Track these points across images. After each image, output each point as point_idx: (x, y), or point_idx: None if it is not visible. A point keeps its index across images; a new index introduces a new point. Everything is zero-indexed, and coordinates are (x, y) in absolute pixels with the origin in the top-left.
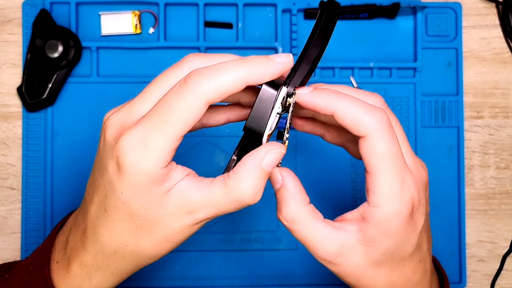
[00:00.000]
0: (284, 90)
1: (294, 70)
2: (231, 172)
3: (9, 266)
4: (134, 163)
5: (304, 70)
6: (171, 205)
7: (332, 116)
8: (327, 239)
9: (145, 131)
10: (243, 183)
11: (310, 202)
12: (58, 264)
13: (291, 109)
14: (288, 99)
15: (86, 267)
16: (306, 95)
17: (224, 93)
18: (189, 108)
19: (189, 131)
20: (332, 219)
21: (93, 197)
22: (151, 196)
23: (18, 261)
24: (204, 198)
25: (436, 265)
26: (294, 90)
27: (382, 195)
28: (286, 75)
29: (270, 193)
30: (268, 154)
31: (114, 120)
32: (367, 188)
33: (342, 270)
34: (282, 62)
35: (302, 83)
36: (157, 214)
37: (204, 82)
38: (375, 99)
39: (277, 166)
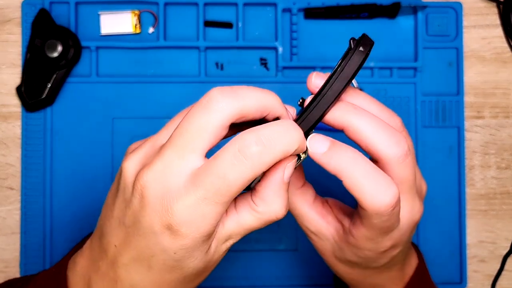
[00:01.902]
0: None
1: (302, 114)
2: (256, 199)
3: (21, 283)
4: (193, 230)
5: (312, 120)
6: (213, 245)
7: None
8: (308, 219)
9: (197, 200)
10: (274, 205)
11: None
12: None
13: (299, 162)
14: (302, 155)
15: None
16: (319, 155)
17: (244, 116)
18: (214, 132)
19: None
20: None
21: (126, 252)
22: (203, 248)
23: (28, 278)
24: (236, 227)
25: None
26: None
27: (362, 237)
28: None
29: None
30: (286, 170)
31: (152, 180)
32: (353, 216)
33: (314, 244)
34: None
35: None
36: (205, 259)
37: (230, 106)
38: (397, 149)
39: None
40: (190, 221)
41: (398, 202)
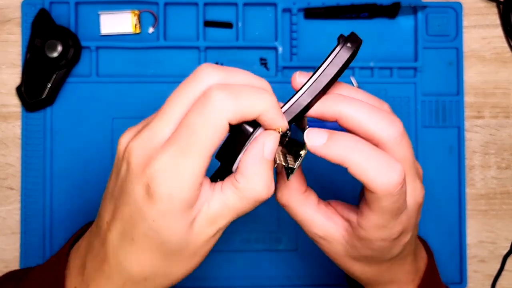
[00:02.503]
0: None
1: (288, 105)
2: (237, 174)
3: (22, 274)
4: (167, 190)
5: (297, 109)
6: (198, 224)
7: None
8: (315, 224)
9: (174, 156)
10: (254, 181)
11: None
12: (76, 277)
13: (300, 160)
14: (301, 152)
15: (102, 286)
16: (319, 148)
17: (244, 116)
18: (214, 128)
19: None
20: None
21: (113, 225)
22: (184, 221)
23: (29, 269)
24: (221, 206)
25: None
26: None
27: (372, 227)
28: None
29: None
30: (266, 144)
31: (137, 146)
32: (360, 207)
33: (324, 249)
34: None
35: (301, 119)
36: (187, 237)
37: (231, 102)
38: (392, 130)
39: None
40: (165, 180)
41: (404, 180)
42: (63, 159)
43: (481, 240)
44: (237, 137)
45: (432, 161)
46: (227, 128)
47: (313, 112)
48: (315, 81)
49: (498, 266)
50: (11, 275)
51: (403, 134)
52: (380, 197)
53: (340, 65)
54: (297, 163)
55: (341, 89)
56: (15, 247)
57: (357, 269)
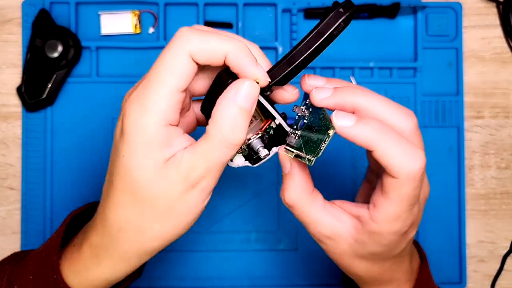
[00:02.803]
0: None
1: (274, 66)
2: (209, 120)
3: (25, 254)
4: (133, 121)
5: (282, 71)
6: (169, 172)
7: (371, 152)
8: (322, 224)
9: (142, 89)
10: (221, 124)
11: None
12: (74, 247)
13: (328, 140)
14: (329, 132)
15: (96, 248)
16: (347, 129)
17: (210, 55)
18: (175, 59)
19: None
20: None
21: (105, 181)
22: (150, 160)
23: (30, 250)
24: (192, 155)
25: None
26: (271, 87)
27: (386, 219)
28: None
29: (269, 194)
30: (238, 90)
31: (131, 97)
32: (373, 200)
33: (329, 250)
34: (258, 70)
35: (284, 82)
36: (158, 184)
37: (191, 36)
38: (408, 122)
39: (300, 159)
40: (132, 111)
41: (424, 169)
42: (63, 159)
43: (481, 240)
44: (217, 88)
45: (432, 161)
46: (190, 62)
47: (331, 103)
48: (306, 41)
49: (497, 266)
50: (14, 255)
51: (417, 126)
52: (402, 183)
53: (332, 27)
54: (324, 144)
55: (354, 87)
56: (15, 247)
57: (362, 268)
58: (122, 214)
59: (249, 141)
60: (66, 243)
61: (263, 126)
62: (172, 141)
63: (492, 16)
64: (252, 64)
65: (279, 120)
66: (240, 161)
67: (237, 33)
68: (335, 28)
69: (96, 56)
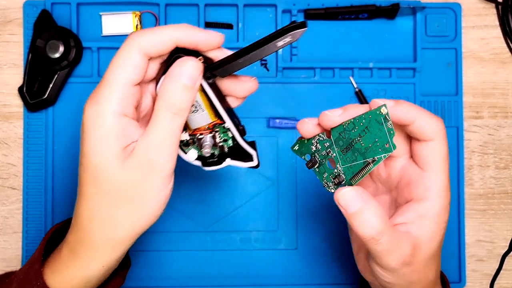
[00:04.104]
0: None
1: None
2: (156, 97)
3: (12, 273)
4: (89, 116)
5: (228, 60)
6: (129, 164)
7: (409, 125)
8: (403, 243)
9: (97, 88)
10: (166, 95)
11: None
12: (55, 252)
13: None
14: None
15: (71, 244)
16: (391, 109)
17: (157, 43)
18: (122, 59)
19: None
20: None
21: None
22: (109, 149)
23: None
24: (144, 137)
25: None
26: (212, 75)
27: (439, 191)
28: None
29: (269, 193)
30: (182, 67)
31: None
32: (420, 186)
33: (413, 269)
34: (210, 36)
35: (226, 71)
36: (118, 175)
37: (140, 34)
38: (439, 124)
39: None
40: (89, 106)
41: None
42: (65, 159)
43: (480, 239)
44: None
45: None
46: (142, 57)
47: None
48: (254, 43)
49: (496, 266)
50: (2, 276)
51: (445, 133)
52: (437, 143)
53: (278, 38)
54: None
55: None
56: (16, 247)
57: (419, 274)
58: (91, 204)
59: (201, 136)
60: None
61: (211, 123)
62: (128, 131)
63: (491, 16)
64: (201, 30)
65: (225, 118)
66: (193, 155)
67: (237, 33)
68: (281, 39)
69: (97, 57)
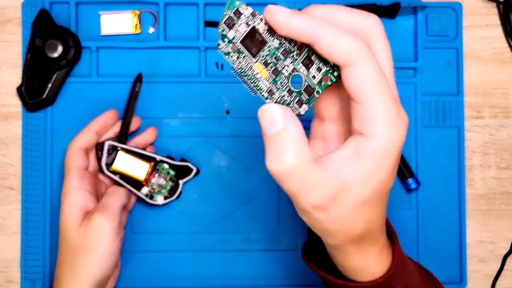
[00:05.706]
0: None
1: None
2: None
3: None
4: (63, 195)
5: (125, 124)
6: (81, 229)
7: (313, 44)
8: (323, 184)
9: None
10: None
11: None
12: None
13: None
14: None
15: (53, 286)
16: (284, 16)
17: (87, 140)
18: (71, 154)
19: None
20: None
21: None
22: (70, 214)
23: None
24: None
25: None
26: (123, 139)
27: (381, 123)
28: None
29: (270, 194)
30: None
31: None
32: (358, 120)
33: (329, 215)
34: (106, 116)
35: (122, 134)
36: (75, 238)
37: (75, 140)
38: (372, 22)
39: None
40: (63, 188)
41: (381, 28)
42: (64, 159)
43: (481, 240)
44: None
45: (432, 161)
46: (80, 152)
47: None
48: (127, 103)
49: (498, 266)
50: None
51: (382, 27)
52: (356, 67)
53: (135, 90)
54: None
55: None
56: (15, 247)
57: (360, 219)
58: (61, 258)
59: (153, 180)
60: None
61: (150, 167)
62: (86, 203)
63: (492, 16)
64: (99, 122)
65: (154, 156)
66: (161, 199)
67: None
68: (137, 89)
69: (96, 56)
